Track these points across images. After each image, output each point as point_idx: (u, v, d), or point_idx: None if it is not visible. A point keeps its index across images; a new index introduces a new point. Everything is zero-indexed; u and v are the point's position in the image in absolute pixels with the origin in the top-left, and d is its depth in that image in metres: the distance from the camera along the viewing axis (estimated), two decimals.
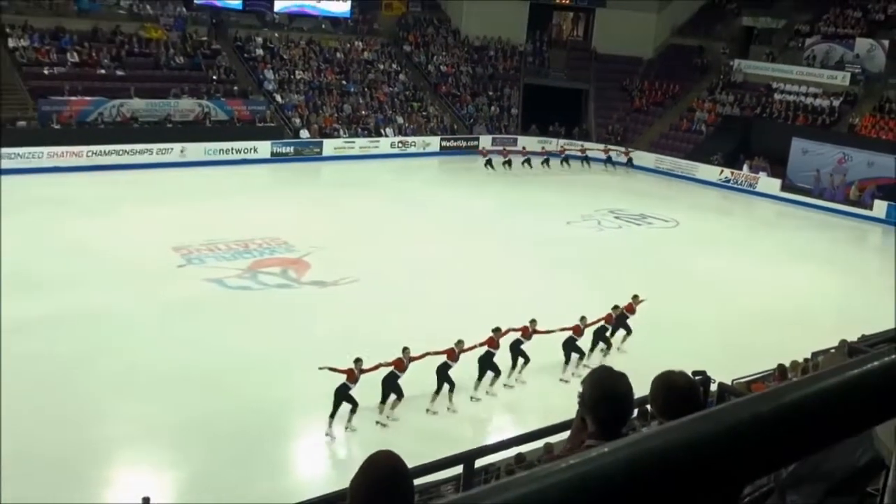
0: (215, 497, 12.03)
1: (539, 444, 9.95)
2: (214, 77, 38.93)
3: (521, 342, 16.97)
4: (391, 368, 14.98)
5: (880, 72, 40.82)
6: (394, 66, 45.94)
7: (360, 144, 40.29)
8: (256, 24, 43.56)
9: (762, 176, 38.94)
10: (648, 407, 3.66)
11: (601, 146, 42.87)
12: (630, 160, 41.77)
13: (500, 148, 41.43)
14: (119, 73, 36.58)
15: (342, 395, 14.36)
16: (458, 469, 7.44)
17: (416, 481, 7.28)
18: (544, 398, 15.69)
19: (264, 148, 37.18)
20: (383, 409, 14.90)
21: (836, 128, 39.97)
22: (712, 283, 24.08)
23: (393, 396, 14.89)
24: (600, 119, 46.59)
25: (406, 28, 48.81)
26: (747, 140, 41.56)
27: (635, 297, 19.44)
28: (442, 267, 23.53)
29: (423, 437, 13.94)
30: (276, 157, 37.43)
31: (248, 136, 36.96)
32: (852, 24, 43.47)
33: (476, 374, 16.16)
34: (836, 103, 40.75)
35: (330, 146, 39.23)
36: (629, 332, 18.91)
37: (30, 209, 25.96)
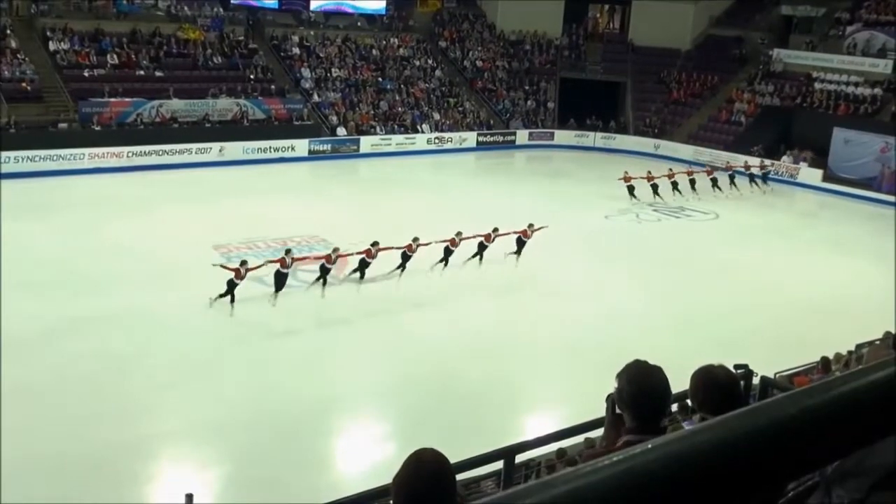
0: (257, 492, 12.14)
1: (579, 438, 9.90)
2: (252, 76, 39.20)
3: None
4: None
5: None
6: (429, 62, 45.95)
7: (397, 141, 40.37)
8: (292, 23, 43.79)
9: (803, 166, 38.49)
10: (689, 401, 3.63)
11: (744, 161, 37.00)
12: (766, 174, 36.49)
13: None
14: (158, 74, 36.95)
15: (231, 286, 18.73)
16: (499, 464, 7.43)
17: (457, 476, 7.30)
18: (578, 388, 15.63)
19: (302, 146, 37.37)
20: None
21: (879, 116, 39.40)
22: (753, 275, 23.86)
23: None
24: (638, 112, 46.30)
25: (441, 24, 48.81)
26: (788, 131, 41.10)
27: (530, 225, 22.90)
28: (475, 269, 23.50)
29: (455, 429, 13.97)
30: (314, 155, 37.60)
31: (285, 135, 37.17)
32: (894, 11, 42.75)
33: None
34: (878, 92, 40.15)
35: (367, 143, 39.34)
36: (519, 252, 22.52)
37: (72, 210, 26.34)
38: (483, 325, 18.97)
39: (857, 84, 41.09)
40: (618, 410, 2.99)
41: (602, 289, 22.08)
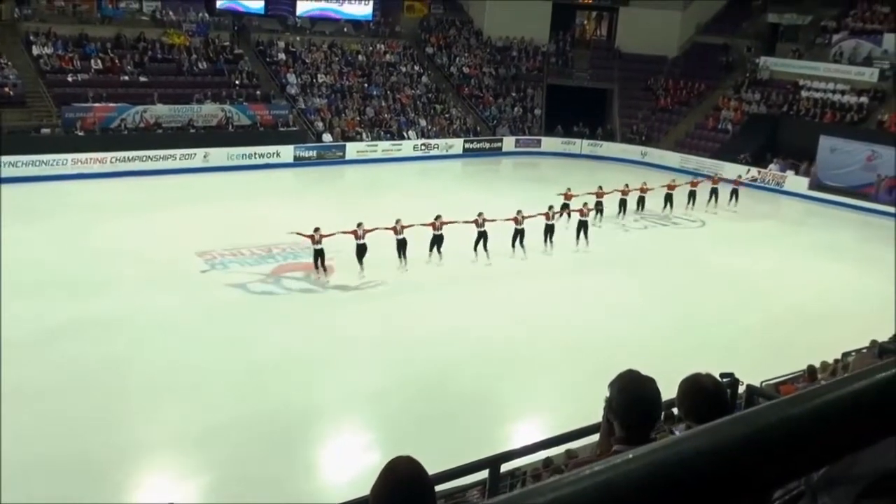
0: (244, 500, 12.08)
1: (569, 446, 9.90)
2: (237, 82, 39.15)
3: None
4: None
5: None
6: (416, 68, 46.02)
7: (383, 147, 40.37)
8: (278, 29, 43.79)
9: (790, 175, 38.69)
10: (675, 410, 3.64)
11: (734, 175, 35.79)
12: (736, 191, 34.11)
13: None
14: (142, 79, 36.86)
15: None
16: (484, 474, 7.42)
17: (442, 486, 7.28)
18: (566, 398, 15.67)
19: (287, 152, 37.33)
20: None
21: (865, 125, 39.65)
22: (740, 283, 23.95)
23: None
24: (625, 119, 46.46)
25: (428, 30, 48.89)
26: (774, 138, 41.31)
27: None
28: (470, 267, 23.54)
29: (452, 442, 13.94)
30: (299, 162, 37.57)
31: (270, 141, 37.12)
32: (880, 19, 43.06)
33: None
34: (865, 100, 40.42)
35: (352, 150, 39.33)
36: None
37: (56, 216, 26.23)
38: (472, 330, 18.96)
39: (843, 92, 41.35)
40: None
41: (591, 295, 22.12)
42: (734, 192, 33.50)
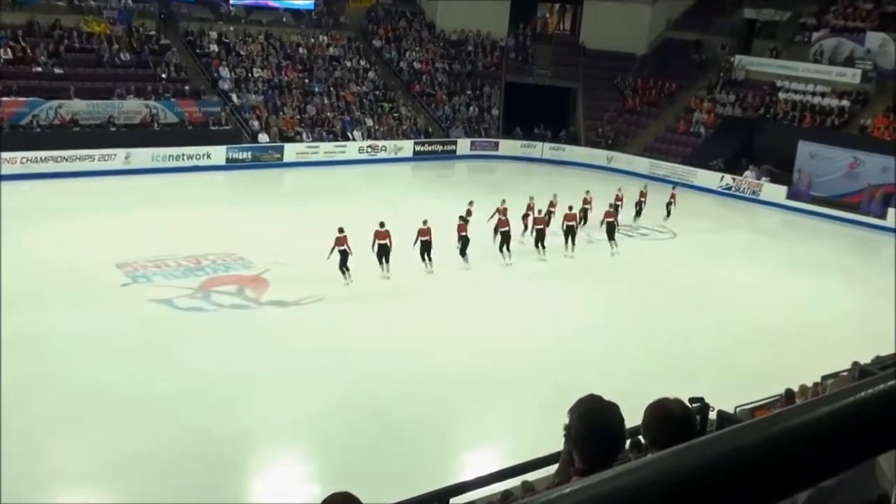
0: None
1: (528, 477, 9.94)
2: (163, 75, 38.82)
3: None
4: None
5: (893, 68, 41.21)
6: (362, 62, 46.01)
7: (325, 149, 40.27)
8: (210, 17, 43.54)
9: (765, 182, 39.24)
10: (641, 438, 3.67)
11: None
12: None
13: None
14: (57, 70, 36.40)
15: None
16: None
17: None
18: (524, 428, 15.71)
19: (219, 153, 37.08)
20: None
21: (846, 129, 40.35)
22: (713, 299, 24.21)
23: None
24: (589, 121, 46.82)
25: (376, 21, 48.95)
26: (750, 143, 41.88)
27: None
28: (417, 281, 23.54)
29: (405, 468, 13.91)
30: (232, 164, 37.34)
31: (200, 141, 36.85)
32: (863, 17, 43.93)
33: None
34: (846, 103, 41.15)
35: (291, 151, 39.19)
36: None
37: None
38: (422, 348, 18.95)
39: (823, 94, 42.08)
40: None
41: (551, 311, 22.24)
42: (610, 228, 30.18)
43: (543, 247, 26.73)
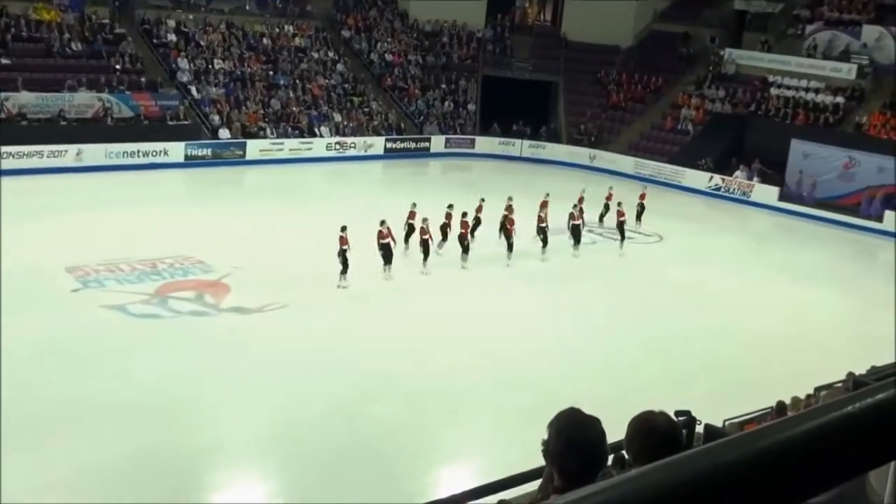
0: None
1: (504, 495, 9.93)
2: (118, 66, 38.60)
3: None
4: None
5: (891, 63, 41.58)
6: (330, 54, 45.94)
7: (291, 146, 40.20)
8: (168, 5, 43.35)
9: (756, 183, 39.44)
10: (624, 453, 3.68)
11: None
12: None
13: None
14: (4, 61, 36.13)
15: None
16: None
17: None
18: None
19: (177, 150, 36.94)
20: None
21: (841, 127, 40.67)
22: (701, 307, 24.31)
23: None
24: (571, 117, 46.97)
25: (344, 10, 48.90)
26: (740, 141, 42.11)
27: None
28: (385, 288, 23.53)
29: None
30: (191, 161, 37.20)
31: (157, 137, 36.70)
32: (858, 9, 44.29)
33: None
34: (841, 100, 41.46)
35: (254, 148, 39.09)
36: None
37: None
38: (395, 357, 18.92)
39: (817, 90, 42.38)
40: None
41: (531, 318, 22.26)
42: (621, 227, 30.35)
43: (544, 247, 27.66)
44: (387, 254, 24.01)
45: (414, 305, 22.68)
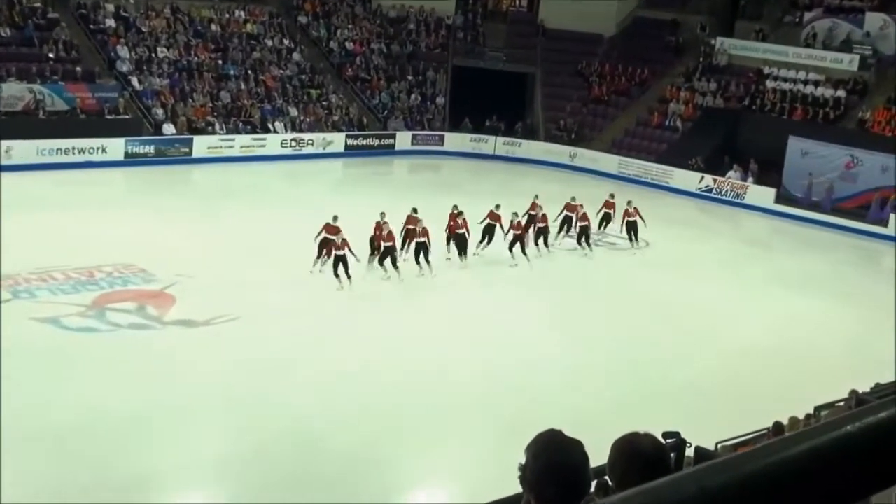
0: None
1: None
2: (51, 55, 38.41)
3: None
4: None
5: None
6: (285, 42, 45.88)
7: (242, 143, 40.11)
8: None
9: (751, 184, 39.59)
10: (608, 478, 3.69)
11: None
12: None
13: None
14: None
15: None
16: None
17: None
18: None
19: (116, 147, 36.78)
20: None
21: (843, 123, 40.96)
22: (690, 319, 24.40)
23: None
24: (549, 112, 47.09)
25: None
26: (733, 139, 42.30)
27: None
28: (345, 298, 23.53)
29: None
30: (132, 159, 37.05)
31: (94, 132, 36.55)
32: None
33: None
34: (843, 93, 41.73)
35: (202, 145, 38.99)
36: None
37: None
38: (356, 376, 18.90)
39: (816, 83, 42.65)
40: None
41: (508, 331, 22.26)
42: (631, 227, 31.24)
43: (520, 254, 27.64)
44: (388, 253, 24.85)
45: (377, 317, 22.65)
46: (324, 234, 24.25)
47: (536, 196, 29.56)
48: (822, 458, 1.10)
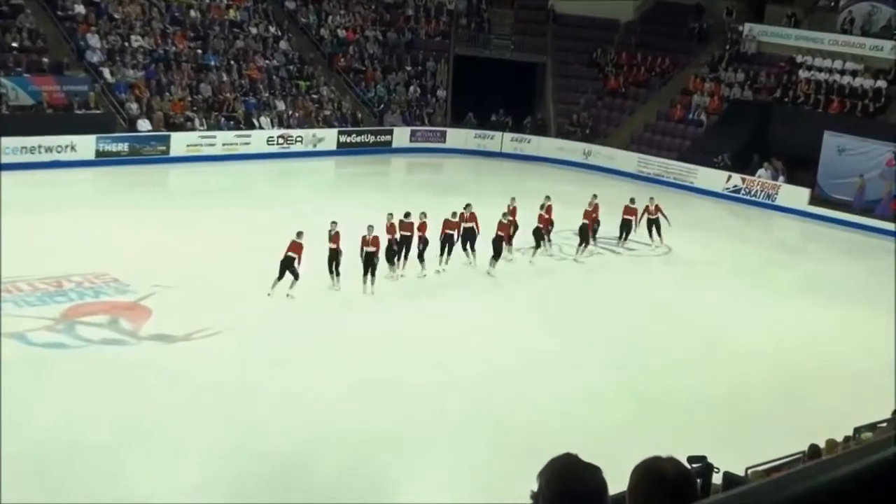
0: None
1: None
2: (14, 44, 38.46)
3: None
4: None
5: None
6: (272, 29, 45.91)
7: (224, 140, 40.16)
8: None
9: (783, 184, 39.52)
10: None
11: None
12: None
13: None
14: None
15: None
16: None
17: None
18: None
19: (86, 145, 36.81)
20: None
21: (884, 117, 40.93)
22: (717, 332, 24.40)
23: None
24: (562, 105, 47.12)
25: None
26: (763, 134, 42.25)
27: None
28: (334, 308, 23.53)
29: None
30: (104, 159, 37.10)
31: (62, 129, 36.55)
32: None
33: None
34: (883, 84, 41.71)
35: (180, 142, 39.02)
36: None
37: None
38: (345, 395, 18.90)
39: (854, 73, 42.64)
40: None
41: (515, 346, 22.25)
42: (653, 224, 31.91)
43: (500, 254, 27.76)
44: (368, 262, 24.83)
45: (370, 329, 22.65)
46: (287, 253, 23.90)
47: (547, 197, 29.58)
48: (865, 483, 1.09)
